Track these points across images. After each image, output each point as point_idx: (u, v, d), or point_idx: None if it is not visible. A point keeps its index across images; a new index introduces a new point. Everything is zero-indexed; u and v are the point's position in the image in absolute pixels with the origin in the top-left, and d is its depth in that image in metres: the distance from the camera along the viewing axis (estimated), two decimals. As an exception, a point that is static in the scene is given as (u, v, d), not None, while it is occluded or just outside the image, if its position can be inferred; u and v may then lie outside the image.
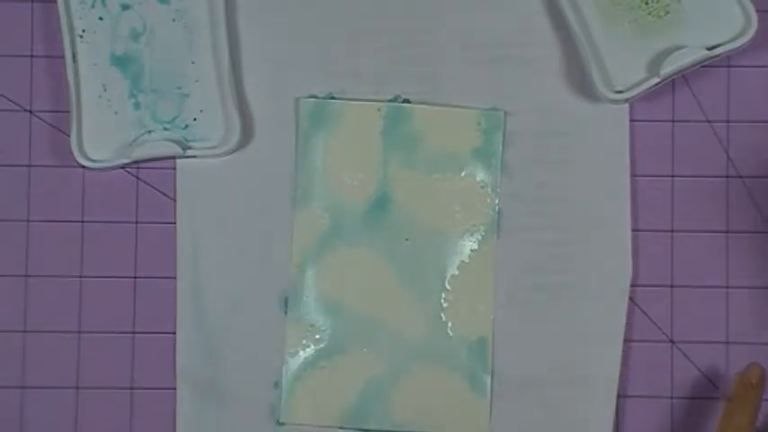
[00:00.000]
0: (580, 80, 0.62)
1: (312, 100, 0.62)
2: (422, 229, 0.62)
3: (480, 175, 0.62)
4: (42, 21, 0.63)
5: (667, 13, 0.61)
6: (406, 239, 0.61)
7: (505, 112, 0.62)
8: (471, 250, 0.61)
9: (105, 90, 0.62)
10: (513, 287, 0.62)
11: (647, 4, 0.61)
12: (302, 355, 0.62)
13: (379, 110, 0.62)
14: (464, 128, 0.62)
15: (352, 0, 0.63)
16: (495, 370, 0.61)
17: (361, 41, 0.63)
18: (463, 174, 0.62)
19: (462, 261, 0.61)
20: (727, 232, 0.62)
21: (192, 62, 0.62)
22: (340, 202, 0.62)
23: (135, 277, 0.63)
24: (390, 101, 0.62)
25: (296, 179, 0.62)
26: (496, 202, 0.62)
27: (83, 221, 0.63)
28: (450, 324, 0.61)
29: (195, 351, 0.62)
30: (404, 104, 0.62)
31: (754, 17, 0.60)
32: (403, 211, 0.62)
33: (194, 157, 0.62)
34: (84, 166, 0.62)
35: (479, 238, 0.62)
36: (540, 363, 0.61)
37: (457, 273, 0.61)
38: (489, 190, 0.62)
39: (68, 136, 0.61)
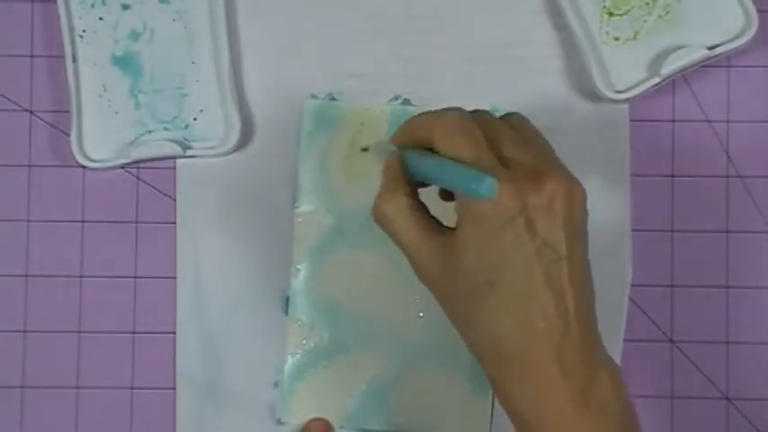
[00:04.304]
0: (580, 80, 0.62)
1: (317, 101, 0.62)
2: (423, 230, 0.62)
3: (482, 177, 0.62)
4: (42, 21, 0.63)
5: (668, 12, 0.61)
6: (408, 240, 0.61)
7: (509, 114, 0.62)
8: (473, 251, 0.61)
9: (105, 90, 0.62)
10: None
11: (647, 4, 0.61)
12: (303, 355, 0.62)
13: (383, 112, 0.62)
14: (466, 129, 0.62)
15: (352, 0, 0.63)
16: (495, 370, 0.61)
17: (361, 41, 0.63)
18: (465, 175, 0.62)
19: (464, 262, 0.61)
20: (727, 232, 0.62)
21: (192, 62, 0.62)
22: (342, 203, 0.62)
23: (135, 277, 0.63)
24: (390, 101, 0.62)
25: (298, 179, 0.62)
26: (499, 203, 0.62)
27: (83, 221, 0.63)
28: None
29: (195, 351, 0.62)
30: (408, 107, 0.62)
31: (755, 17, 0.60)
32: (405, 211, 0.62)
33: (194, 157, 0.62)
34: (84, 166, 0.62)
35: (481, 238, 0.61)
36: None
37: (458, 273, 0.61)
38: (491, 191, 0.62)
39: (68, 136, 0.61)
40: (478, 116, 0.50)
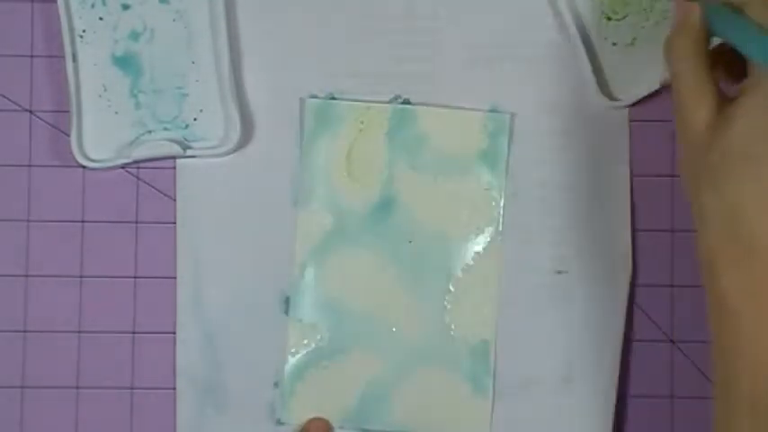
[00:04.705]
0: (580, 80, 0.62)
1: (318, 100, 0.62)
2: (426, 231, 0.62)
3: (486, 178, 0.62)
4: (42, 21, 0.63)
5: (665, 18, 0.61)
6: (410, 241, 0.61)
7: (512, 115, 0.62)
8: (475, 252, 0.61)
9: (105, 90, 0.62)
10: (514, 288, 0.62)
11: (645, 10, 0.61)
12: (303, 354, 0.62)
13: (384, 111, 0.62)
14: (470, 130, 0.62)
15: (352, 0, 0.63)
16: (496, 370, 0.61)
17: (361, 41, 0.63)
18: (468, 176, 0.62)
19: (466, 263, 0.61)
20: (726, 232, 0.62)
21: (192, 62, 0.62)
22: (343, 203, 0.62)
23: (135, 277, 0.63)
24: (390, 101, 0.62)
25: (299, 179, 0.62)
26: (501, 204, 0.62)
27: (83, 221, 0.63)
28: (452, 326, 0.61)
29: (195, 351, 0.62)
30: (409, 106, 0.62)
31: (754, 18, 0.60)
32: (407, 212, 0.62)
33: (194, 156, 0.62)
34: (84, 166, 0.62)
35: (483, 240, 0.61)
36: (541, 363, 0.61)
37: (460, 275, 0.61)
38: (495, 193, 0.62)
39: (68, 136, 0.61)
40: None
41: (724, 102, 0.47)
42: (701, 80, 0.48)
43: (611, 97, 0.61)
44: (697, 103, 0.48)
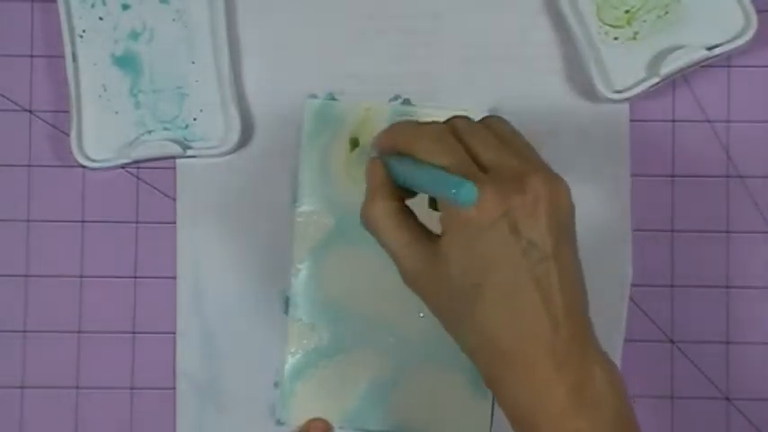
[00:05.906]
0: (580, 80, 0.62)
1: (317, 101, 0.62)
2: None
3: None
4: (42, 21, 0.63)
5: (667, 12, 0.61)
6: (409, 241, 0.61)
7: (512, 115, 0.62)
8: (473, 251, 0.61)
9: (105, 90, 0.62)
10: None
11: (646, 3, 0.61)
12: (303, 354, 0.62)
13: (383, 111, 0.62)
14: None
15: (352, 0, 0.63)
16: (495, 370, 0.61)
17: (361, 41, 0.63)
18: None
19: (465, 262, 0.61)
20: (727, 232, 0.62)
21: (192, 62, 0.62)
22: (343, 203, 0.62)
23: (135, 277, 0.63)
24: (390, 101, 0.62)
25: (299, 178, 0.62)
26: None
27: (83, 221, 0.63)
28: (451, 325, 0.61)
29: (195, 351, 0.62)
30: (408, 107, 0.62)
31: (754, 17, 0.60)
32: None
33: (194, 156, 0.62)
34: (84, 166, 0.62)
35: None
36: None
37: (459, 274, 0.61)
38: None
39: (68, 136, 0.61)
40: (457, 122, 0.51)
41: (431, 237, 0.50)
42: (406, 235, 0.50)
43: (613, 91, 0.61)
44: (409, 258, 0.50)
